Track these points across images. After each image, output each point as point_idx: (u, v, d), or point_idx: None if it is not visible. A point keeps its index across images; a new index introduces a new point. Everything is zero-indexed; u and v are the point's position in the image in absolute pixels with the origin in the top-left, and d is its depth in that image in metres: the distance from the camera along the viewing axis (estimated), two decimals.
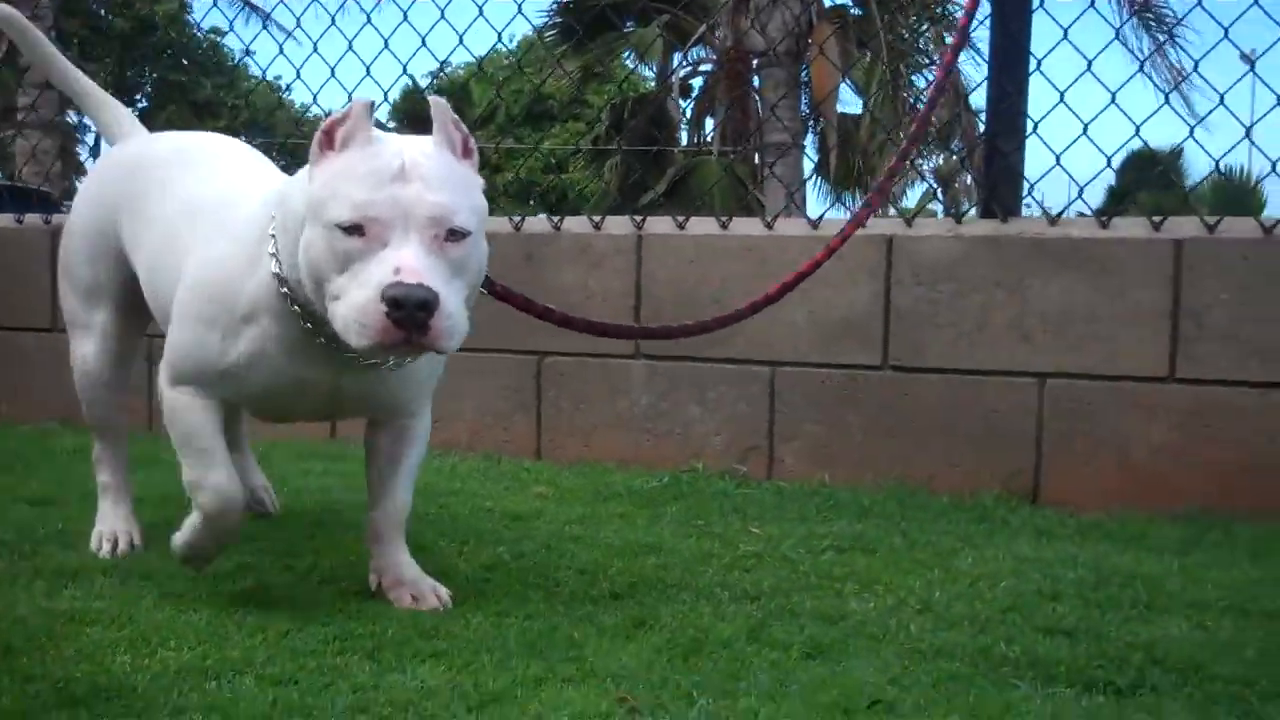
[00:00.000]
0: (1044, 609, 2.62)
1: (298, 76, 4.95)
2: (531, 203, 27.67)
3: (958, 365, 3.87)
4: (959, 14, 3.35)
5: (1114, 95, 3.93)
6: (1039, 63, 4.03)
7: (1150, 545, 3.23)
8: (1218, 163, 3.88)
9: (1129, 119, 3.95)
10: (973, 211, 4.21)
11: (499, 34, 4.61)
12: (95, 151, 31.75)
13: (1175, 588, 2.79)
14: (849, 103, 22.55)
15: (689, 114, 22.32)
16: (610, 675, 2.16)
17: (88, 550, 2.94)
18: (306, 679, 2.12)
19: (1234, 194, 13.09)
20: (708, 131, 21.82)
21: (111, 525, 3.03)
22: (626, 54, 20.81)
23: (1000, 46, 4.13)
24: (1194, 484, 3.62)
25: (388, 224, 2.18)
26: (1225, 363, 3.61)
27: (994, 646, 2.35)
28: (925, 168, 21.81)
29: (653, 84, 22.98)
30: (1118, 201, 17.29)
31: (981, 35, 4.28)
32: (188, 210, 2.68)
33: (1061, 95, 3.96)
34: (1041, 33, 4.04)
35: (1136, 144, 4.04)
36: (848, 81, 19.31)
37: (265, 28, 11.96)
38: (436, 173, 2.24)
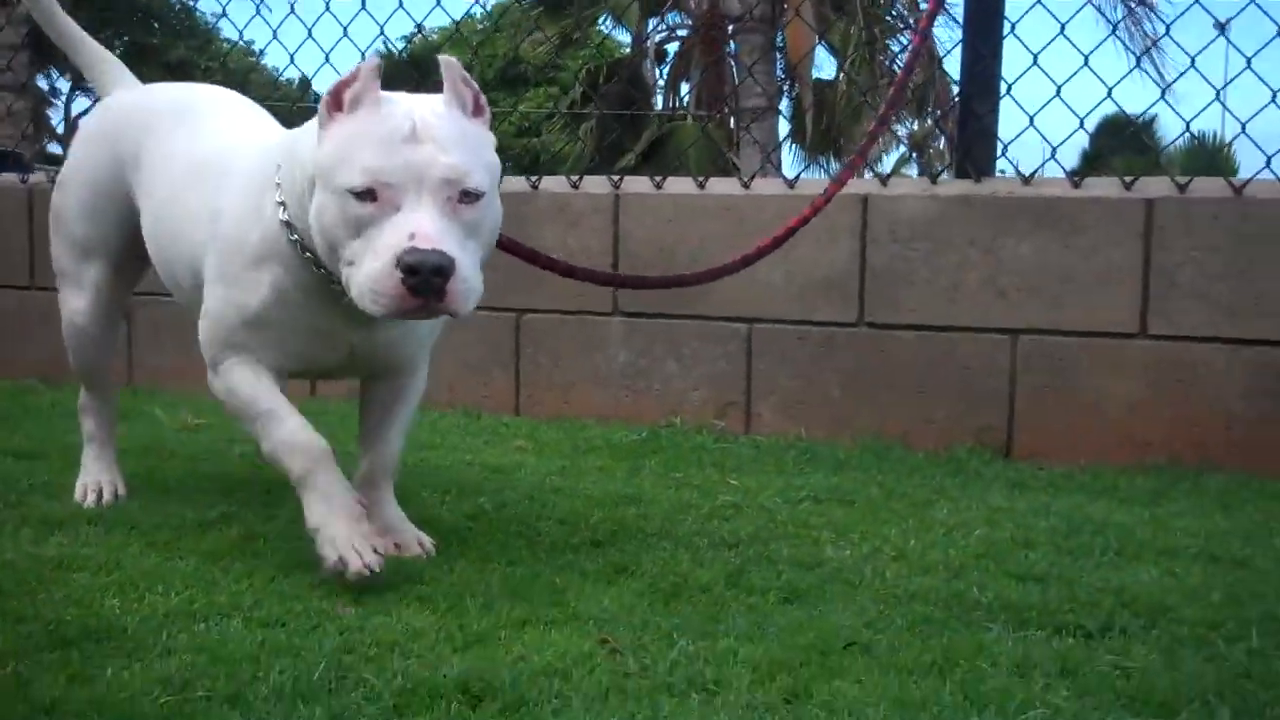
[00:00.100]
0: (1016, 556, 2.67)
1: (274, 37, 4.91)
2: (508, 164, 27.54)
3: (933, 322, 3.91)
4: None
5: (1086, 58, 3.98)
6: (1013, 26, 4.07)
7: (1121, 496, 3.30)
8: (1189, 124, 3.94)
9: (1101, 81, 4.00)
10: (947, 173, 4.24)
11: None
12: (67, 115, 31.50)
13: (1145, 536, 2.84)
14: (824, 68, 22.57)
15: (664, 78, 22.31)
16: (592, 618, 2.21)
17: (72, 501, 2.97)
18: (294, 621, 2.16)
19: (1206, 159, 13.17)
20: (684, 95, 21.81)
21: (95, 476, 3.05)
22: (603, 18, 20.75)
23: (975, 10, 4.16)
24: (1164, 438, 3.69)
25: (400, 188, 2.14)
26: (1195, 320, 3.67)
27: (967, 591, 2.40)
28: (901, 133, 21.87)
29: (628, 49, 22.92)
30: (1091, 166, 17.33)
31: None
32: (190, 165, 2.66)
33: (1035, 58, 3.99)
34: None
35: (1111, 109, 4.08)
36: (823, 44, 19.30)
37: None
38: (448, 133, 2.20)
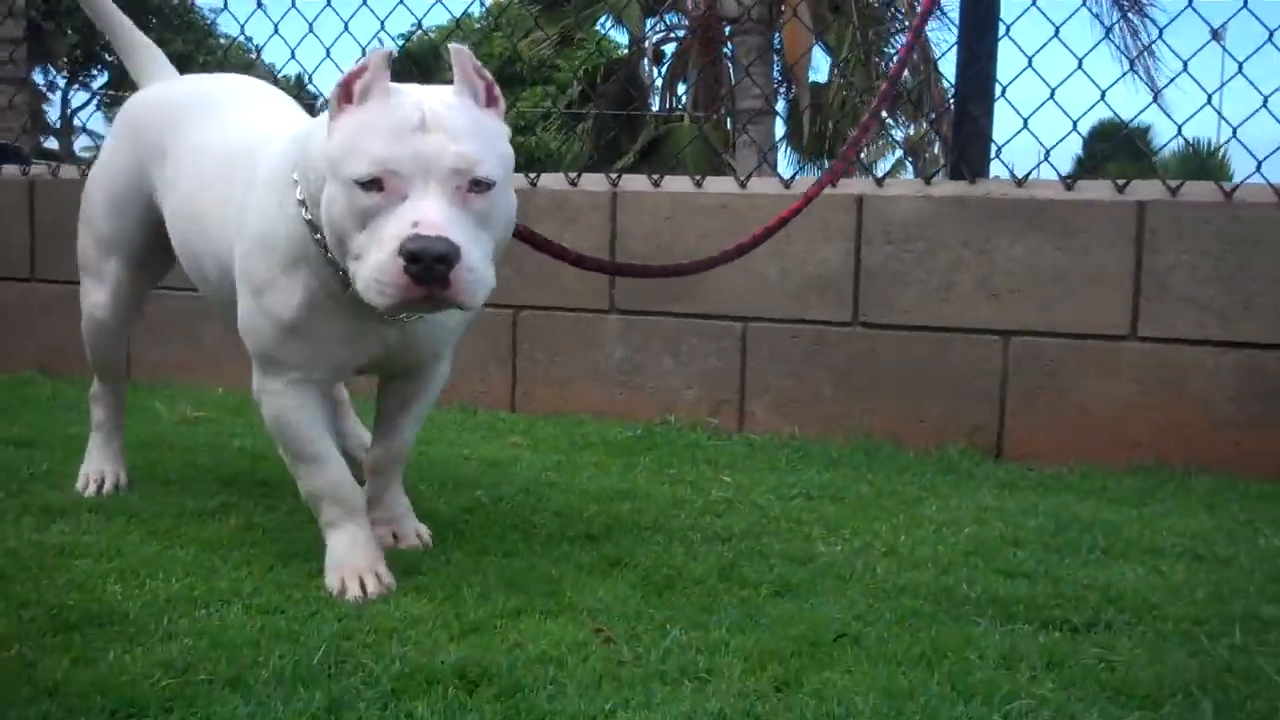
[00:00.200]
0: (1005, 553, 2.71)
1: (275, 32, 4.94)
2: None
3: (925, 322, 3.95)
4: None
5: (1080, 61, 4.00)
6: (1008, 28, 4.10)
7: (1109, 496, 3.33)
8: (1180, 128, 3.96)
9: (1095, 84, 4.03)
10: (941, 175, 4.27)
11: None
12: (64, 110, 31.51)
13: (1132, 535, 2.88)
14: (821, 70, 22.61)
15: (661, 79, 22.33)
16: (586, 609, 2.25)
17: (73, 490, 3.00)
18: (293, 608, 2.20)
19: (1200, 165, 13.20)
20: (681, 96, 21.82)
21: (99, 465, 3.07)
22: (603, 18, 20.76)
23: (970, 12, 4.20)
24: (1153, 439, 3.73)
25: (408, 177, 2.08)
26: (1185, 323, 3.71)
27: (956, 587, 2.44)
28: (898, 137, 21.91)
29: (625, 50, 22.93)
30: (1085, 172, 17.39)
31: (952, 2, 4.36)
32: (217, 157, 2.61)
33: (1030, 60, 4.02)
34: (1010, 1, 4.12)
35: (1105, 115, 4.11)
36: (820, 45, 19.32)
37: None
38: (458, 122, 2.14)
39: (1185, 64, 3.90)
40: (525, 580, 2.39)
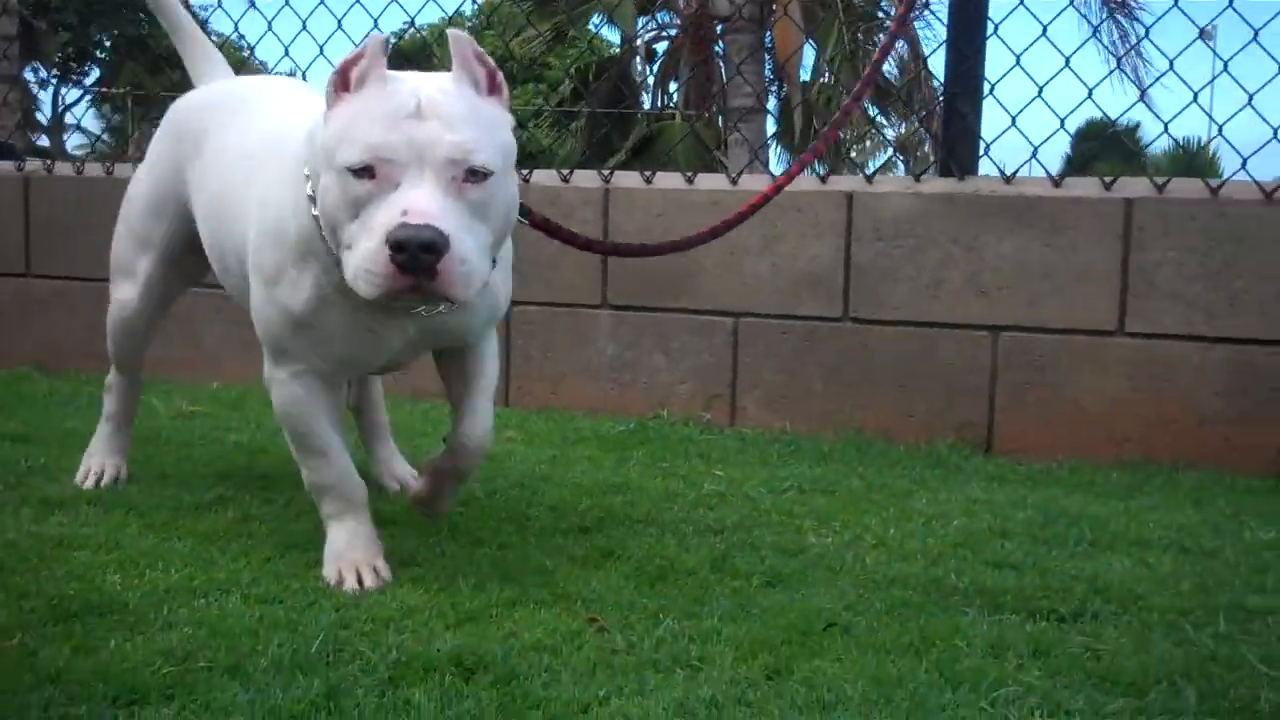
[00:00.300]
0: (993, 545, 2.75)
1: (269, 29, 4.97)
2: None
3: (915, 318, 3.98)
4: None
5: (1068, 59, 4.04)
6: (996, 27, 4.13)
7: (1097, 490, 3.37)
8: (1167, 125, 4.00)
9: (1082, 82, 4.07)
10: (931, 170, 4.31)
11: None
12: (54, 108, 31.42)
13: (1119, 528, 2.92)
14: (810, 68, 22.62)
15: (653, 77, 22.36)
16: (580, 599, 2.28)
17: (71, 484, 3.02)
18: (291, 598, 2.23)
19: (1188, 164, 13.24)
20: (672, 93, 21.87)
21: (101, 458, 3.09)
22: (596, 16, 20.77)
23: (958, 11, 4.23)
24: (1141, 434, 3.76)
25: (401, 165, 2.04)
26: (1172, 318, 3.74)
27: (944, 578, 2.47)
28: (889, 135, 21.96)
29: (617, 48, 22.97)
30: (1074, 170, 17.42)
31: (941, 1, 4.39)
32: (240, 154, 2.57)
33: (1018, 58, 4.05)
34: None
35: (1093, 113, 4.15)
36: (811, 44, 19.35)
37: None
38: (455, 110, 2.10)
39: (1171, 63, 3.93)
40: (520, 571, 2.42)
